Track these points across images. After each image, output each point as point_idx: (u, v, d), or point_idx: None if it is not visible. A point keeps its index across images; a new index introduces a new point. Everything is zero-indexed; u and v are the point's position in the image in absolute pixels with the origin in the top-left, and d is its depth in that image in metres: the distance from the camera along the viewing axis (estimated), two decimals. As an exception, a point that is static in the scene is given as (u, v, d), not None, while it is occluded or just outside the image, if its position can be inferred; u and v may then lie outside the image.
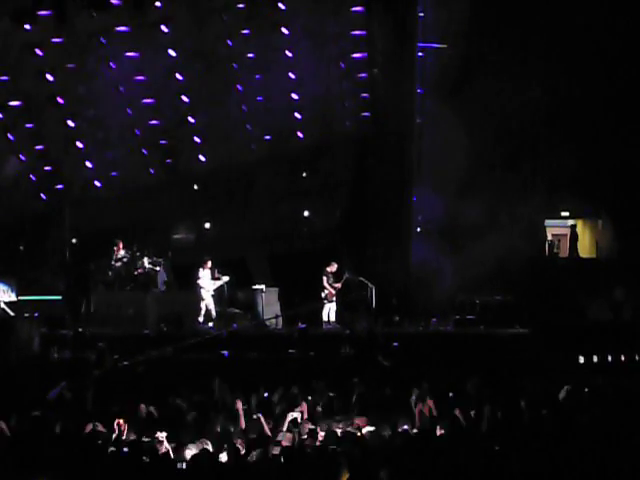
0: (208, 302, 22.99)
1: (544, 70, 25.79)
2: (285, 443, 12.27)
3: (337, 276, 23.71)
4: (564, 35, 25.35)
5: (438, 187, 25.52)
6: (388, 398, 16.15)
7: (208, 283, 23.03)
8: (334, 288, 23.49)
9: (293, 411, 13.98)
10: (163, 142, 26.84)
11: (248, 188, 27.88)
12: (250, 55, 26.66)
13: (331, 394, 16.37)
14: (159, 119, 26.49)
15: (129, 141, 26.46)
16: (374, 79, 27.09)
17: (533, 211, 27.18)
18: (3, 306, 22.25)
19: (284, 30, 26.59)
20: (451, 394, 15.88)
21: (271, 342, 21.47)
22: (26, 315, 21.40)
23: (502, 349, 20.88)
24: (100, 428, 12.67)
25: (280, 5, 26.49)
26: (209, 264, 23.13)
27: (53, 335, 21.32)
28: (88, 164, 26.30)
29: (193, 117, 26.70)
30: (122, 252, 24.02)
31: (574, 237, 28.33)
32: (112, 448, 11.63)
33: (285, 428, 13.31)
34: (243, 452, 11.63)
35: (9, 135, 25.56)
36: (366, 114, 27.64)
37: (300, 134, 27.44)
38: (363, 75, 27.43)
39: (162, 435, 11.88)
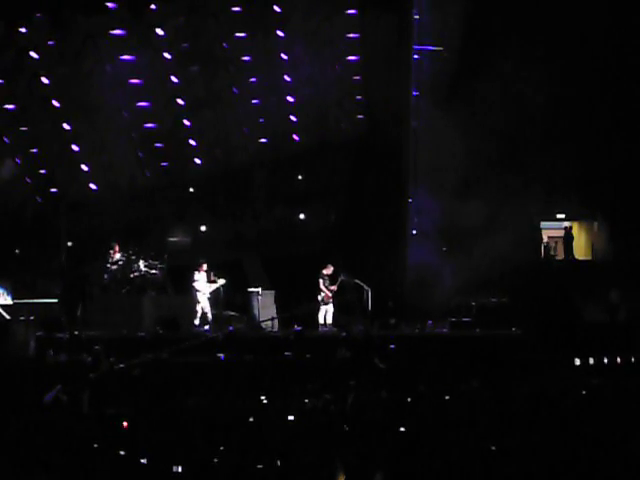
0: (204, 305, 22.98)
1: (539, 73, 25.80)
2: None
3: (333, 278, 23.71)
4: (560, 37, 25.37)
5: (434, 190, 25.54)
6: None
7: (204, 286, 23.02)
8: (330, 290, 23.50)
9: None
10: (159, 145, 26.84)
11: (244, 191, 27.88)
12: (246, 58, 26.70)
13: (327, 396, 16.35)
14: (154, 122, 26.50)
15: (125, 144, 26.46)
16: (369, 81, 27.11)
17: (529, 213, 27.18)
18: (-1, 309, 22.27)
19: (279, 33, 26.64)
20: None
21: (267, 345, 21.45)
22: (22, 318, 21.41)
23: (498, 351, 20.88)
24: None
25: (275, 8, 26.53)
26: (205, 267, 23.14)
27: (49, 338, 21.27)
28: (84, 167, 26.29)
29: (189, 120, 26.71)
30: (118, 255, 23.99)
31: (569, 239, 28.37)
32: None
33: None
34: None
35: (4, 138, 25.55)
36: (361, 117, 27.67)
37: (296, 137, 27.46)
38: (358, 78, 27.45)
39: None
